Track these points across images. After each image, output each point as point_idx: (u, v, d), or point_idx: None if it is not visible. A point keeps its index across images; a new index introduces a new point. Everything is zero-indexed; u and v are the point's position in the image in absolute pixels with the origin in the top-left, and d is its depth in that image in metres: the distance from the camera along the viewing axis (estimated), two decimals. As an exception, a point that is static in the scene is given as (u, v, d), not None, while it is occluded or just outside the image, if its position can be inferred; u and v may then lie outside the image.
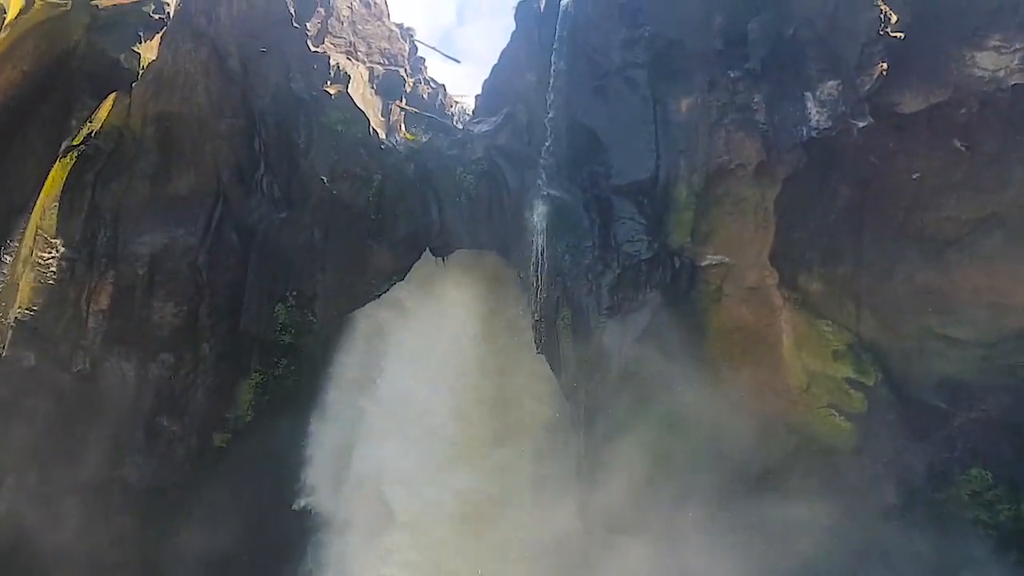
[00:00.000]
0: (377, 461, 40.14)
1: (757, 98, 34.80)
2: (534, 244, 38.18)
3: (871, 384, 33.14)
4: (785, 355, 34.47)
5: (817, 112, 33.60)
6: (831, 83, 33.44)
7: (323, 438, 41.49)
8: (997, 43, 31.60)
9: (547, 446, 38.80)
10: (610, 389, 35.54)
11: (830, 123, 33.31)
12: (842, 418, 33.24)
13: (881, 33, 32.43)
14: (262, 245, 42.57)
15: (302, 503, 40.51)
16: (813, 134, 33.53)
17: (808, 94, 33.79)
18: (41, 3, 37.08)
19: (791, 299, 34.63)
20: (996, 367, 31.98)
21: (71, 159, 40.08)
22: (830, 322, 34.29)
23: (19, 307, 38.87)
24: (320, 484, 40.72)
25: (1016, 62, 31.33)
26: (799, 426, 33.91)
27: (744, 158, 34.86)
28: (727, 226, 35.48)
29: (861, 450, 32.92)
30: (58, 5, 37.69)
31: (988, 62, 31.75)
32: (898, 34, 32.46)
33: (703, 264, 35.68)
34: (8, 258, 38.88)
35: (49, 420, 39.18)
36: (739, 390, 34.85)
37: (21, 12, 36.46)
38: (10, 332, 38.59)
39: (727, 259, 35.35)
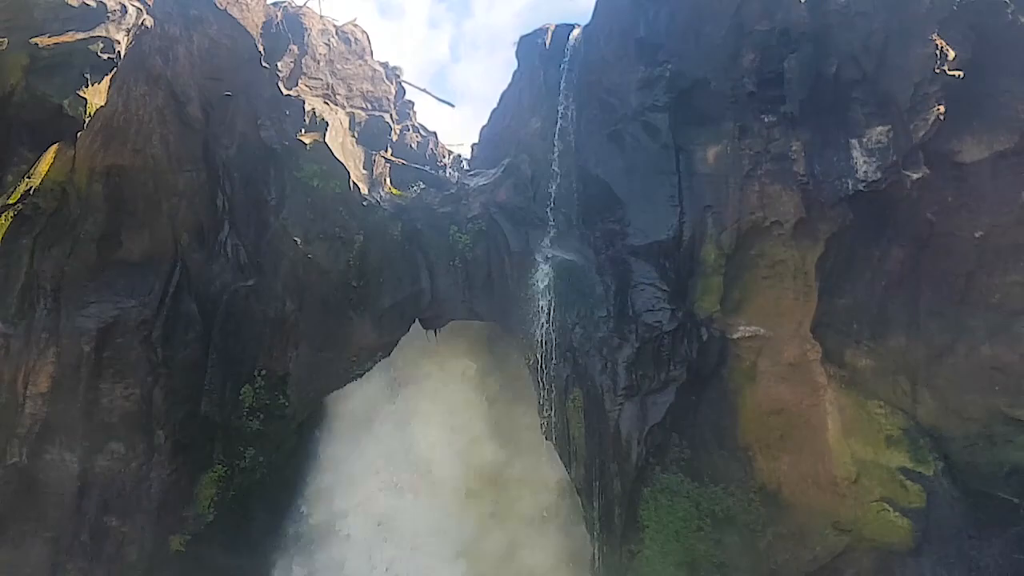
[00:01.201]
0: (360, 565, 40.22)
1: (795, 146, 34.89)
2: (540, 314, 38.16)
3: (930, 474, 33.08)
4: (831, 441, 34.35)
5: (864, 162, 33.70)
6: (880, 128, 33.58)
7: (297, 541, 41.40)
8: (1070, 83, 31.93)
9: (558, 554, 38.77)
10: (629, 483, 35.42)
11: (879, 174, 33.41)
12: (897, 514, 33.05)
13: (937, 71, 32.62)
14: (226, 318, 42.37)
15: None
16: (860, 187, 33.61)
17: (854, 141, 33.94)
18: None
19: (837, 377, 34.69)
20: (1075, 455, 31.99)
21: (6, 220, 39.45)
22: (882, 403, 34.36)
23: None
24: None
25: (1093, 104, 31.65)
26: (848, 524, 33.69)
27: (781, 214, 34.99)
28: (762, 293, 35.54)
29: (920, 551, 32.79)
30: None
31: (1060, 104, 32.04)
32: (956, 72, 32.70)
33: (735, 336, 35.71)
34: None
35: None
36: (778, 483, 34.83)
37: None
38: None
39: (762, 331, 35.40)
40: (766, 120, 35.44)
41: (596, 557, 35.85)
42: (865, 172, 33.54)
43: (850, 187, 33.70)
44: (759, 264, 35.59)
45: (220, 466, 41.45)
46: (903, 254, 34.29)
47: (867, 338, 34.71)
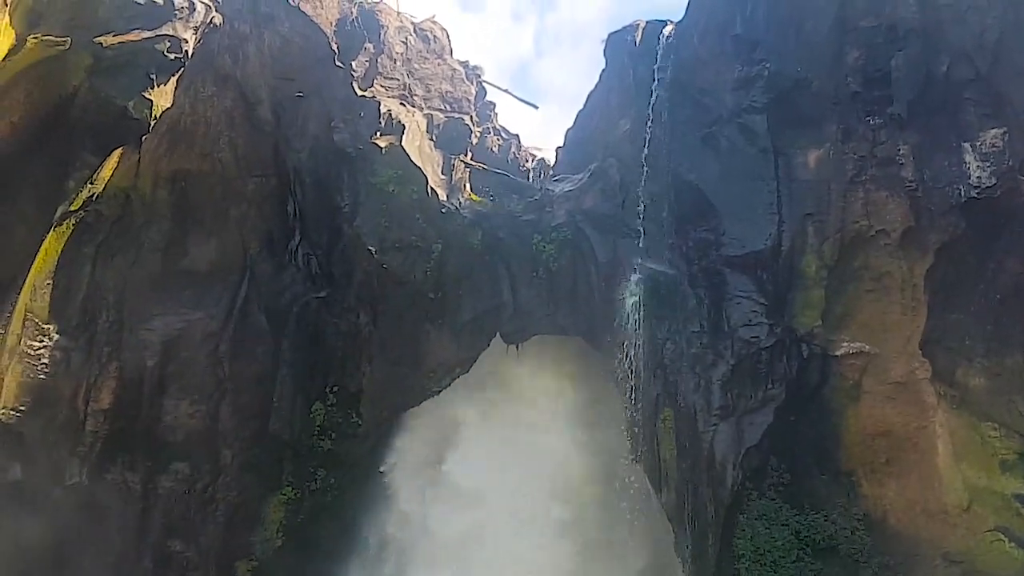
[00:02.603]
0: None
1: (903, 150, 35.41)
2: (628, 329, 38.63)
3: None
4: (940, 466, 34.66)
5: (978, 166, 34.12)
6: (995, 131, 33.96)
7: (373, 568, 42.11)
8: None
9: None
10: (723, 509, 35.54)
11: (994, 180, 33.81)
12: (1013, 545, 33.04)
13: None
14: (296, 330, 43.45)
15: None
16: (973, 193, 34.02)
17: (966, 145, 34.38)
18: (35, 42, 37.11)
19: (948, 397, 34.88)
20: None
21: (68, 228, 40.57)
22: (997, 425, 34.31)
23: (3, 407, 39.24)
24: None
25: None
26: (959, 555, 33.83)
27: (887, 223, 35.46)
28: (867, 307, 35.95)
29: None
30: (55, 44, 37.67)
31: None
32: None
33: (838, 354, 36.05)
34: None
35: (37, 544, 39.26)
36: (884, 510, 35.13)
37: (11, 52, 36.55)
38: None
39: (867, 347, 35.74)
40: (872, 122, 35.91)
41: None
42: (979, 178, 33.91)
43: (962, 194, 34.07)
44: (863, 276, 35.93)
45: (289, 488, 42.29)
46: (1019, 266, 34.21)
47: (981, 356, 34.56)
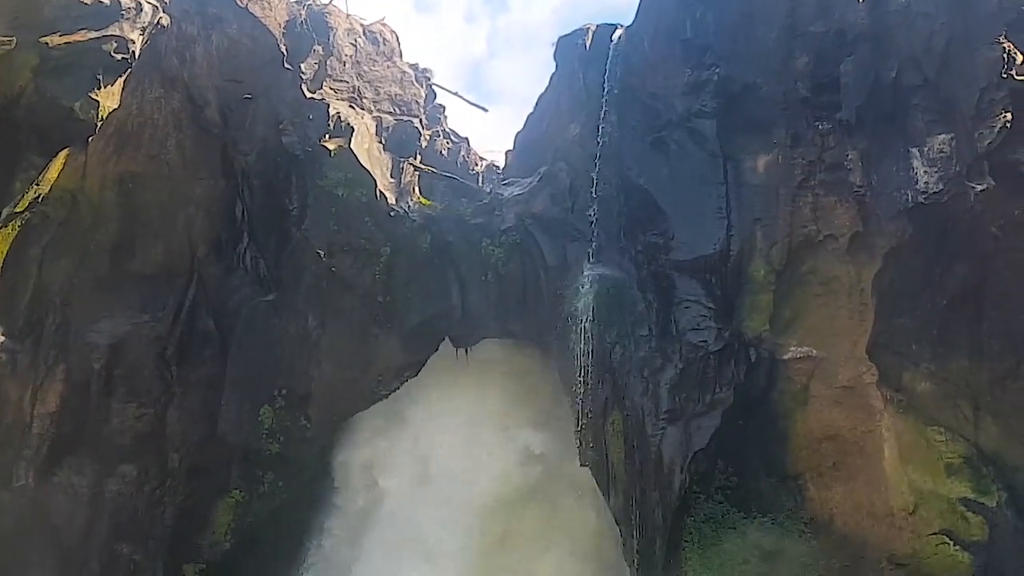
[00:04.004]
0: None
1: (851, 155, 35.51)
2: (577, 333, 38.49)
3: (993, 506, 33.43)
4: (887, 470, 34.74)
5: (925, 172, 34.28)
6: (942, 137, 34.17)
7: (321, 569, 41.91)
8: None
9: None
10: (671, 513, 35.50)
11: (941, 185, 33.98)
12: (957, 548, 33.34)
13: (1004, 76, 33.11)
14: (244, 334, 42.92)
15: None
16: (920, 199, 34.21)
17: (914, 150, 34.55)
18: None
19: (894, 401, 35.13)
20: None
21: (13, 229, 39.89)
22: (942, 429, 34.76)
23: None
24: None
25: None
26: (905, 558, 33.98)
27: (835, 228, 35.57)
28: (815, 311, 35.98)
29: None
30: (0, 43, 37.23)
31: None
32: None
33: (785, 358, 36.09)
34: None
35: None
36: (831, 513, 35.11)
37: None
38: None
39: (815, 352, 35.76)
40: (820, 127, 36.00)
41: None
42: (926, 183, 34.08)
43: (910, 199, 34.26)
44: (811, 281, 36.03)
45: (238, 491, 41.82)
46: (966, 271, 34.67)
47: (927, 360, 35.06)
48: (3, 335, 40.00)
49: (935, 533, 33.78)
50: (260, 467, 42.17)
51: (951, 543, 33.47)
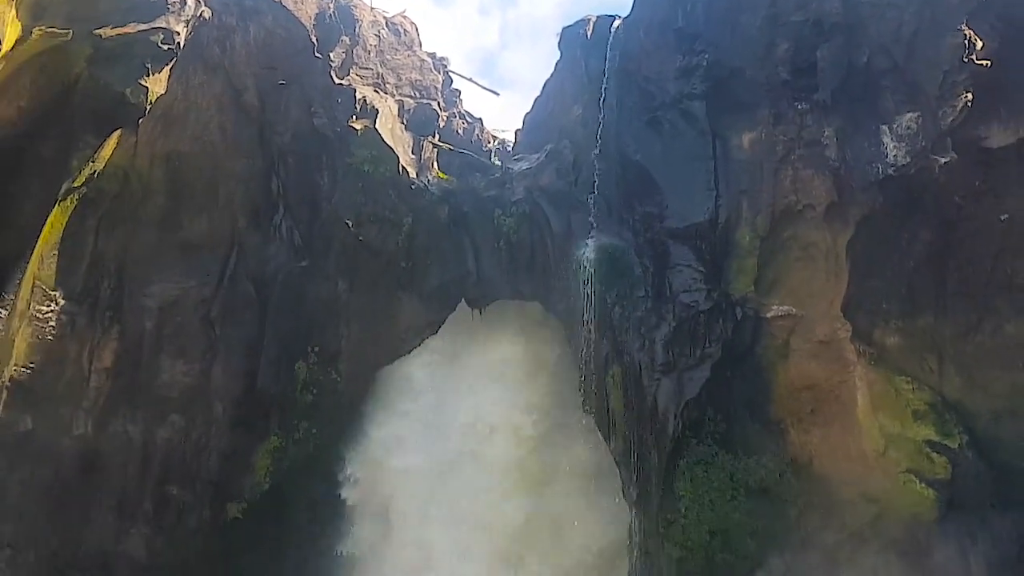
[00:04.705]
0: (413, 530, 41.08)
1: (827, 132, 35.49)
2: (581, 294, 38.63)
3: (956, 447, 33.50)
4: (860, 416, 34.98)
5: (894, 147, 34.27)
6: (909, 115, 34.11)
7: (353, 506, 42.15)
8: (1096, 71, 32.24)
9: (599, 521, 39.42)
10: (665, 455, 35.66)
11: (908, 159, 33.97)
12: (923, 485, 33.43)
13: (966, 60, 33.04)
14: (281, 297, 43.22)
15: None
16: (890, 171, 34.21)
17: (884, 128, 34.52)
18: (39, 33, 36.52)
19: (866, 354, 35.19)
20: (1096, 429, 32.35)
21: (71, 202, 40.28)
22: (909, 379, 34.78)
23: (15, 365, 39.10)
24: (350, 558, 41.56)
25: (1118, 91, 31.95)
26: (876, 494, 34.21)
27: (813, 198, 35.55)
28: (795, 274, 36.13)
29: (945, 520, 33.20)
30: (57, 35, 37.06)
31: (1085, 92, 32.33)
32: (984, 61, 33.07)
33: (768, 316, 36.28)
34: (3, 312, 38.72)
35: (47, 489, 39.53)
36: (809, 455, 35.42)
37: (17, 43, 35.95)
38: (4, 393, 38.85)
39: (795, 310, 35.96)
40: (799, 108, 35.92)
41: (634, 524, 36.33)
42: (895, 157, 34.06)
43: (880, 172, 34.24)
44: (792, 246, 36.08)
45: (275, 438, 42.21)
46: (931, 236, 34.58)
47: (896, 317, 34.99)
48: (63, 298, 40.38)
49: (903, 472, 33.84)
50: (296, 416, 42.48)
51: (918, 481, 33.52)
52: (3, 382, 39.02)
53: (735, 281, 36.81)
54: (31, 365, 39.65)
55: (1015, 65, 33.21)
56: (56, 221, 40.12)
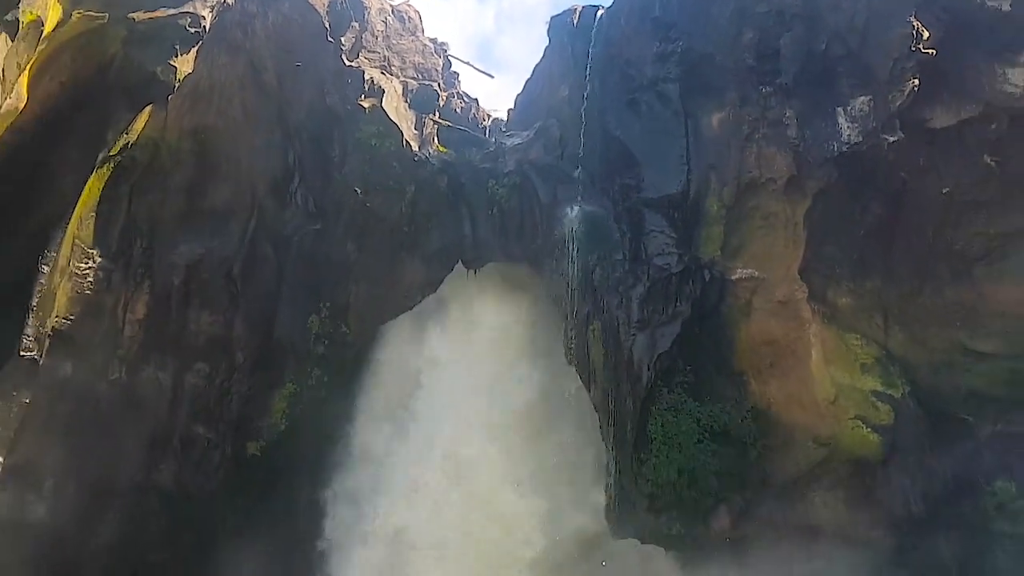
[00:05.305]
0: (412, 462, 41.33)
1: (788, 113, 35.37)
2: (566, 257, 38.70)
3: (898, 396, 33.88)
4: (813, 368, 35.05)
5: (848, 127, 34.16)
6: (862, 98, 33.99)
7: (357, 445, 42.33)
8: (1029, 59, 32.17)
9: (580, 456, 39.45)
10: (639, 402, 35.75)
11: (861, 138, 33.88)
12: (869, 430, 33.79)
13: (913, 49, 32.94)
14: (296, 257, 43.17)
15: (335, 513, 41.62)
16: (844, 149, 34.11)
17: (839, 109, 34.38)
18: (78, 16, 36.43)
19: (820, 313, 35.31)
20: (1022, 381, 32.74)
21: (107, 170, 40.23)
22: (858, 335, 35.07)
23: (56, 316, 39.13)
24: (354, 491, 41.72)
25: (1048, 78, 31.86)
26: (827, 438, 34.48)
27: (775, 172, 35.43)
28: (757, 240, 36.10)
29: (888, 461, 33.65)
30: (95, 18, 37.02)
31: (1019, 78, 32.42)
32: (930, 50, 32.97)
33: (733, 278, 36.27)
34: (46, 268, 38.79)
35: (86, 427, 39.60)
36: (768, 403, 35.57)
37: (59, 24, 35.85)
38: (48, 341, 38.89)
39: (757, 273, 35.96)
40: (763, 91, 35.82)
41: (611, 464, 36.44)
42: (848, 136, 33.99)
43: (835, 149, 34.18)
44: (755, 215, 36.02)
45: (291, 384, 42.31)
46: (880, 208, 34.73)
47: (847, 280, 35.22)
48: (100, 256, 40.42)
49: (851, 418, 34.13)
50: (309, 365, 42.51)
51: (864, 426, 33.87)
52: (46, 331, 38.99)
53: (704, 246, 36.79)
54: (71, 316, 39.63)
55: (957, 53, 33.19)
56: (93, 187, 40.03)
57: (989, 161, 33.26)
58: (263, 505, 40.81)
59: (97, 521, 39.59)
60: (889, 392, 33.96)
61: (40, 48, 35.48)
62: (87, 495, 39.42)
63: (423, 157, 42.83)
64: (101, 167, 39.98)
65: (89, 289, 40.08)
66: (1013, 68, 32.48)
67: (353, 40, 43.91)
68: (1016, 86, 32.43)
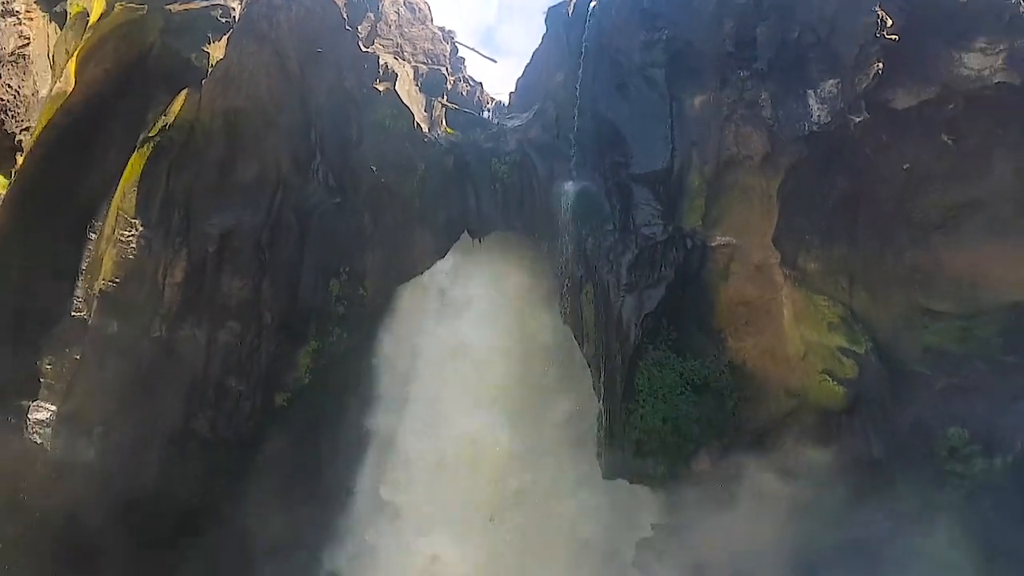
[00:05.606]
0: (427, 402, 42.10)
1: (764, 95, 35.80)
2: (561, 227, 39.23)
3: (862, 352, 34.27)
4: (785, 327, 35.62)
5: (818, 108, 34.57)
6: (831, 82, 34.36)
7: (378, 389, 43.15)
8: (983, 45, 32.81)
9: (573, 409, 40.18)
10: (628, 358, 36.26)
11: (829, 118, 34.27)
12: (835, 383, 34.29)
13: (877, 36, 33.33)
14: (318, 227, 43.85)
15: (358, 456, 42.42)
16: (814, 128, 34.49)
17: (810, 92, 34.77)
18: (120, 7, 37.22)
19: (791, 276, 35.74)
20: (974, 338, 33.39)
21: (148, 149, 40.76)
22: (826, 297, 35.37)
23: (103, 279, 39.85)
24: (376, 428, 42.59)
25: (1000, 62, 32.54)
26: (797, 390, 35.05)
27: (751, 150, 35.98)
28: (735, 211, 36.63)
29: (852, 411, 34.13)
30: (135, 10, 37.79)
31: (974, 62, 32.97)
32: (893, 36, 33.40)
33: (713, 245, 36.85)
34: (93, 236, 39.60)
35: (131, 380, 40.37)
36: (744, 358, 36.19)
37: (103, 15, 36.66)
38: (96, 302, 39.64)
39: (734, 241, 36.57)
40: (741, 75, 36.22)
41: (602, 413, 36.91)
42: (818, 117, 34.36)
43: (806, 129, 34.50)
44: (733, 189, 36.51)
45: (314, 341, 43.08)
46: (846, 182, 35.12)
47: (816, 247, 35.50)
48: (141, 226, 40.89)
49: (819, 372, 34.63)
50: (330, 324, 43.30)
51: (831, 379, 34.39)
52: (94, 293, 39.66)
53: (686, 217, 37.30)
54: (116, 280, 40.18)
55: (918, 40, 33.56)
56: (135, 164, 40.54)
57: (946, 139, 33.73)
58: (290, 449, 41.80)
59: (141, 463, 40.29)
60: (853, 348, 34.32)
61: (86, 37, 36.25)
62: (132, 440, 40.14)
63: (432, 138, 43.29)
64: (142, 146, 40.46)
65: (132, 255, 40.49)
66: (969, 53, 32.96)
67: (368, 28, 44.24)
68: (971, 69, 32.92)
